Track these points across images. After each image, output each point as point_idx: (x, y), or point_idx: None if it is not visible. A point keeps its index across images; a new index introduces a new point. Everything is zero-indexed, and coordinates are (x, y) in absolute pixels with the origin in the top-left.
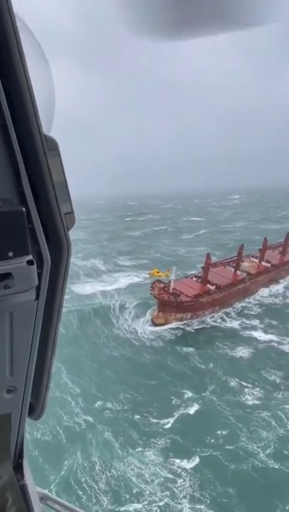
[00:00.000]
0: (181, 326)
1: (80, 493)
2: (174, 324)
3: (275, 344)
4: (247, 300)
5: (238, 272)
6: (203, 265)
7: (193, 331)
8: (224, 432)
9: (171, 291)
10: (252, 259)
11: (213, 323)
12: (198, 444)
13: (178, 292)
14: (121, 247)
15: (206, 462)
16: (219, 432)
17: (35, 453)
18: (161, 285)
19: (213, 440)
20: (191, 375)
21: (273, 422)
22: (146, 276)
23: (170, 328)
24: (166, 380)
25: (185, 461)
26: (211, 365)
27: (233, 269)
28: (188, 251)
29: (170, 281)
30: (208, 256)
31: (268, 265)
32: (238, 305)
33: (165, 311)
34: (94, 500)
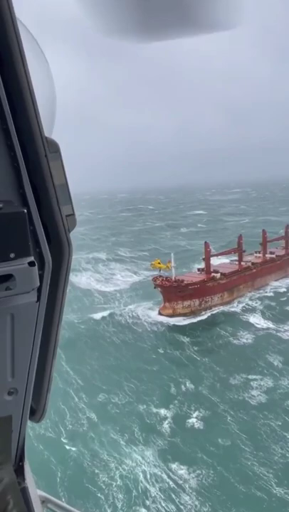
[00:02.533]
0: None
1: None
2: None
3: None
4: (259, 291)
5: (243, 263)
6: (204, 257)
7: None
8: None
9: (174, 279)
10: (255, 254)
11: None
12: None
13: (181, 279)
14: (123, 240)
15: None
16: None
17: None
18: (163, 277)
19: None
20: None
21: None
22: (147, 274)
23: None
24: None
25: None
26: None
27: (237, 263)
28: (189, 244)
29: (172, 269)
30: (207, 244)
31: (273, 256)
32: (249, 294)
33: (171, 299)
34: None
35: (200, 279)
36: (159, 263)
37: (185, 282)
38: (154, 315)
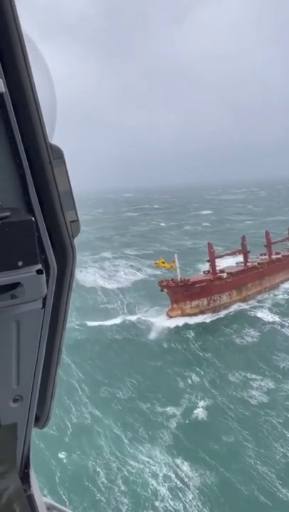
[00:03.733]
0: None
1: None
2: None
3: None
4: (269, 292)
5: (249, 264)
6: (208, 258)
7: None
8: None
9: (179, 279)
10: (261, 257)
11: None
12: None
13: (187, 279)
14: (129, 240)
15: None
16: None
17: None
18: (169, 279)
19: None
20: None
21: None
22: (151, 272)
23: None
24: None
25: None
26: None
27: (242, 265)
28: (194, 243)
29: (177, 270)
30: (210, 245)
31: (279, 256)
32: (259, 296)
33: (178, 300)
34: None
35: (207, 279)
36: (163, 262)
37: (191, 281)
38: (160, 321)
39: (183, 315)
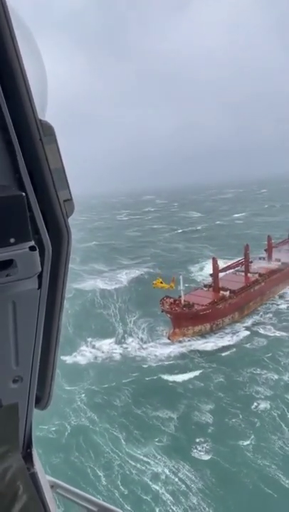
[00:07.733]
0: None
1: None
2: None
3: None
4: (269, 302)
5: (250, 275)
6: (211, 272)
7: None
8: None
9: (182, 303)
10: (259, 261)
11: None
12: None
13: (191, 303)
14: (121, 247)
15: None
16: None
17: None
18: (171, 300)
19: None
20: None
21: None
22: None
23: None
24: None
25: None
26: None
27: (243, 274)
28: (187, 247)
29: (180, 293)
30: (215, 261)
31: (279, 263)
32: (260, 309)
33: (181, 325)
34: None
35: (210, 301)
36: (161, 282)
37: (195, 308)
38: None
39: (185, 336)
